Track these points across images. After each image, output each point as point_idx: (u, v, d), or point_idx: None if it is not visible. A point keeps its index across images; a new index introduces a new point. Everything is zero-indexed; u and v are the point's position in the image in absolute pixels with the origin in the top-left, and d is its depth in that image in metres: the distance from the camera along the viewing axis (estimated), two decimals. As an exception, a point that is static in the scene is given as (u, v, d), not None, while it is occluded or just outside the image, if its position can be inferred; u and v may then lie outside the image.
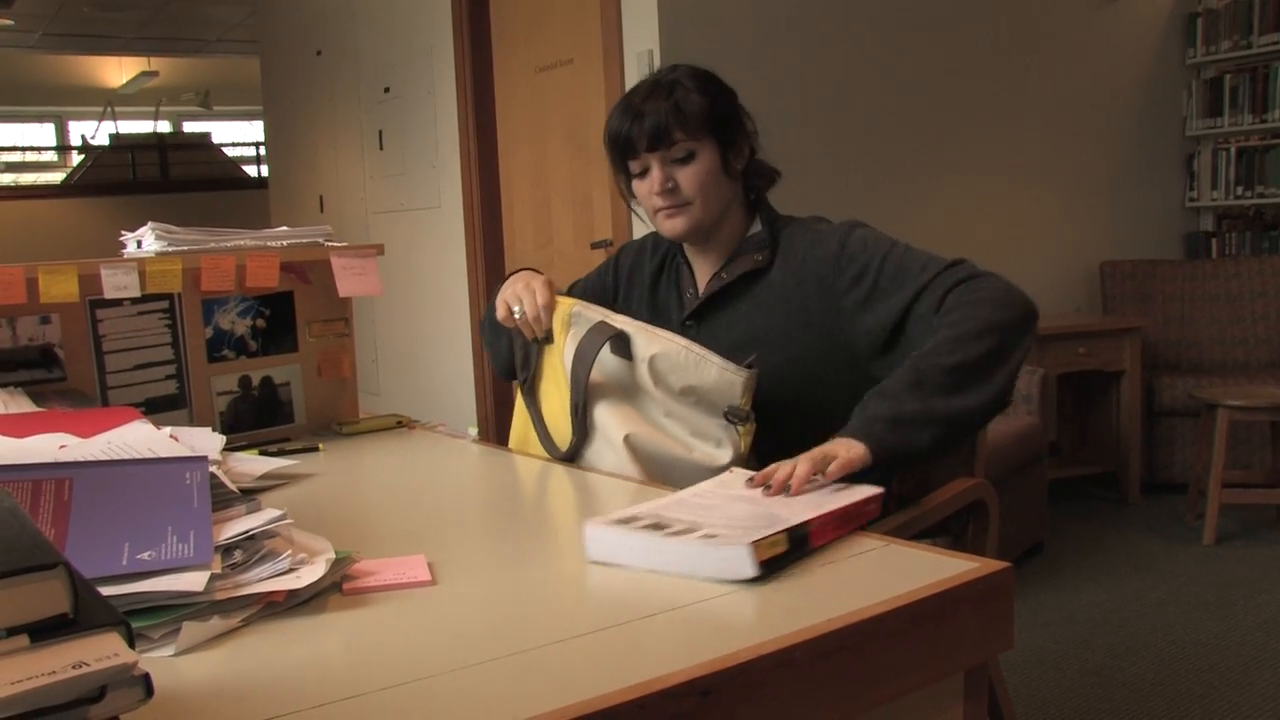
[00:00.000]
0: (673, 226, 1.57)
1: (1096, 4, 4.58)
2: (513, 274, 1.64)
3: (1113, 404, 4.17)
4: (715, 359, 1.39)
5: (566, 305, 1.52)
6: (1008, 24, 4.32)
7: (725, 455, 1.38)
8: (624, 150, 1.56)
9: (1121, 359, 4.08)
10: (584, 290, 1.75)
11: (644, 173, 1.56)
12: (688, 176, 1.53)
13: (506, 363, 1.66)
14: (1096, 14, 4.59)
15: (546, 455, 1.52)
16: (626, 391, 1.41)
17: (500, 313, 1.58)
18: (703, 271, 1.64)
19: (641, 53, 3.48)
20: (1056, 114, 4.50)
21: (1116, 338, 4.08)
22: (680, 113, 1.51)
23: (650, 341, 1.41)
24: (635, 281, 1.73)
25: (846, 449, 1.24)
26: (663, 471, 1.36)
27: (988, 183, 4.38)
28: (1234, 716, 2.40)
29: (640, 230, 2.31)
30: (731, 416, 1.39)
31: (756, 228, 1.61)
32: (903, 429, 1.29)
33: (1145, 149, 4.82)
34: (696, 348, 1.40)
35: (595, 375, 1.42)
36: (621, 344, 1.42)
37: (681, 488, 1.22)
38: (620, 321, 1.45)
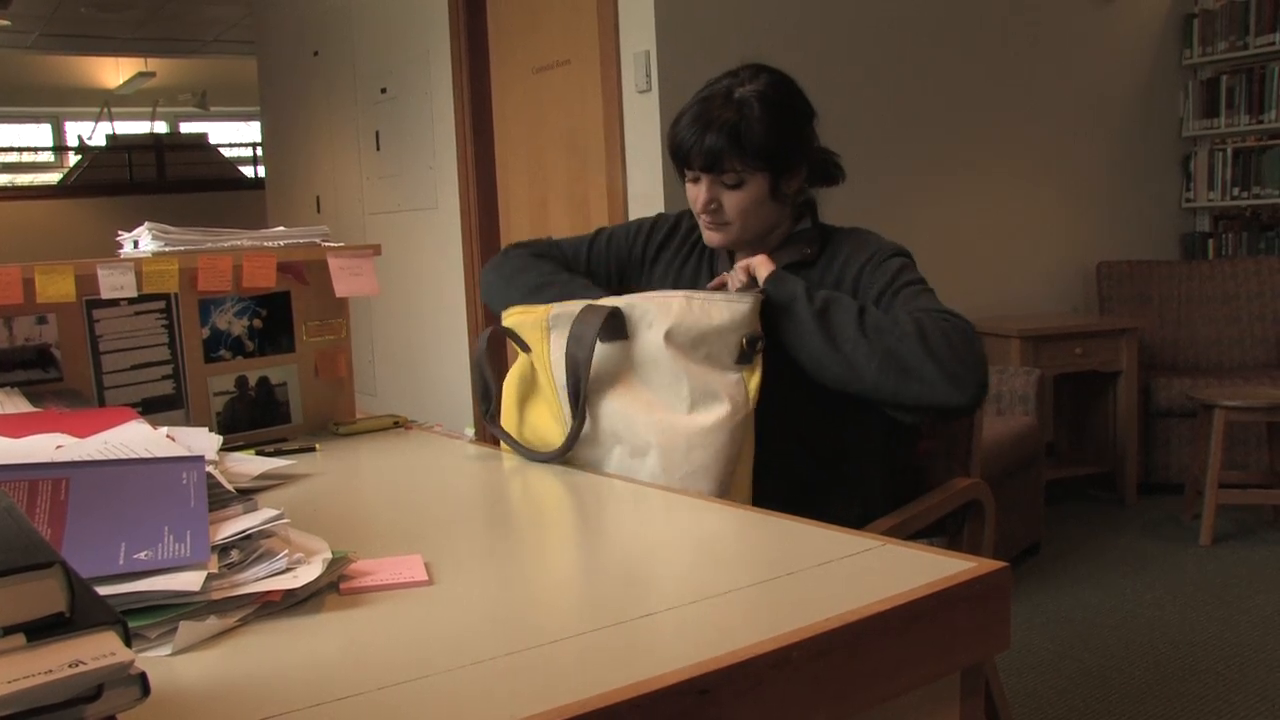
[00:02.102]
0: (710, 238, 1.65)
1: (1093, 4, 4.59)
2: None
3: (1109, 404, 4.17)
4: (718, 296, 1.40)
5: (540, 312, 1.50)
6: (1004, 25, 4.33)
7: (724, 409, 1.37)
8: (680, 161, 1.61)
9: (1118, 359, 4.08)
10: (610, 238, 1.78)
11: (696, 179, 1.61)
12: (733, 201, 1.59)
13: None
14: (1093, 15, 4.60)
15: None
16: (627, 377, 1.40)
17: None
18: (743, 257, 1.67)
19: (638, 53, 3.48)
20: (1053, 114, 4.50)
21: (1113, 338, 4.08)
22: (739, 143, 1.54)
23: (662, 312, 1.39)
24: (662, 257, 1.76)
25: (765, 269, 1.48)
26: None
27: (984, 183, 4.38)
28: (1231, 716, 2.40)
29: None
30: (749, 347, 1.39)
31: (806, 224, 1.66)
32: (788, 301, 1.43)
33: (1142, 150, 4.83)
34: (698, 294, 1.40)
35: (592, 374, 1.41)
36: (615, 326, 1.40)
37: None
38: (608, 302, 1.44)
